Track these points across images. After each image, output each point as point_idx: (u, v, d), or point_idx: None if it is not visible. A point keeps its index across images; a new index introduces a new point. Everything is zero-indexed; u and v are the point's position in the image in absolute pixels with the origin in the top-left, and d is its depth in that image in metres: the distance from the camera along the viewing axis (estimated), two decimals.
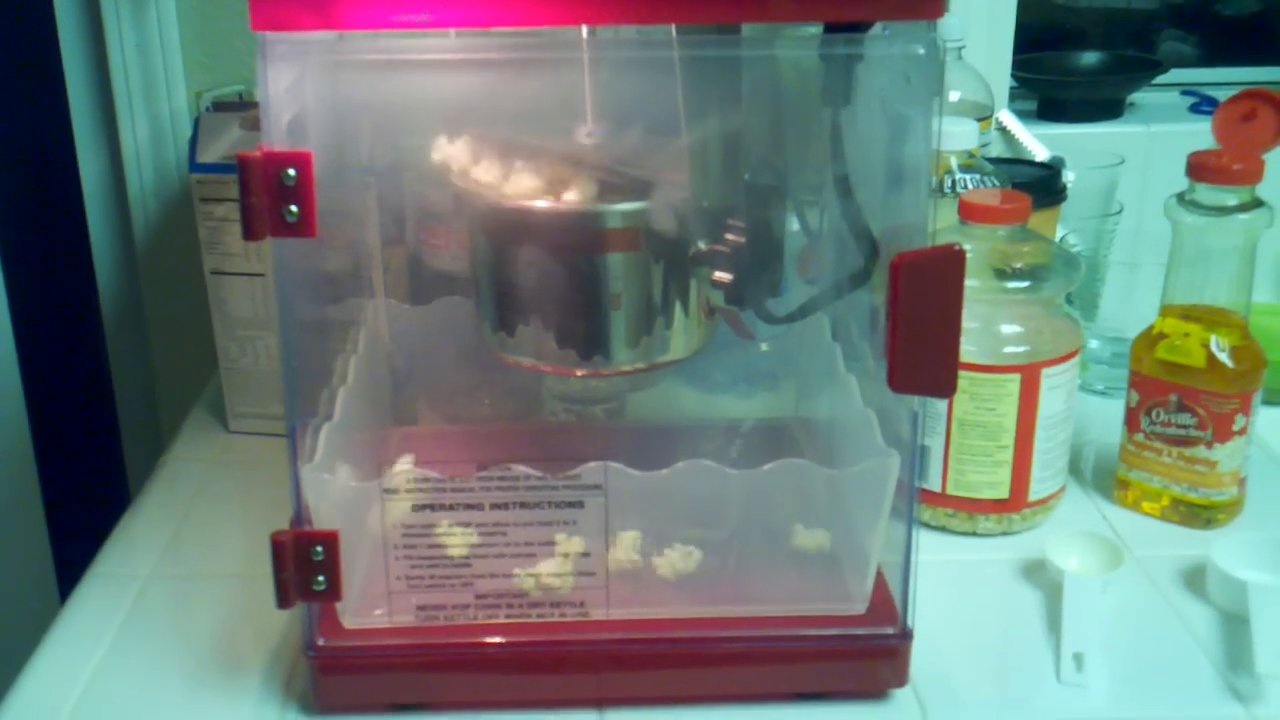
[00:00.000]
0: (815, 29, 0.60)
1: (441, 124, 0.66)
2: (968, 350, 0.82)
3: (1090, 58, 1.37)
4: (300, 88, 0.60)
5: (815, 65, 0.62)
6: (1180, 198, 0.84)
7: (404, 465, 0.68)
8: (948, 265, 0.59)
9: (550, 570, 0.68)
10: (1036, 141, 1.20)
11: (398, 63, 0.61)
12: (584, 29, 0.61)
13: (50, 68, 1.17)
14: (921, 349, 0.60)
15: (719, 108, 0.63)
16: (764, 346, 0.86)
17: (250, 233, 0.59)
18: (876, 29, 0.60)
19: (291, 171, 0.58)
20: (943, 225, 0.86)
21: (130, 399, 1.28)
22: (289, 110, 0.60)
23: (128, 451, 1.29)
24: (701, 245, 0.67)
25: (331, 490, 0.66)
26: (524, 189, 0.66)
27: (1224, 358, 0.83)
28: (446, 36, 0.60)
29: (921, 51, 0.59)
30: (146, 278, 1.21)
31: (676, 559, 0.69)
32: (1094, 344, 1.09)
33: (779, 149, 0.67)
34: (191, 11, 1.15)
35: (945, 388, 0.61)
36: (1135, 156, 1.19)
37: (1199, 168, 0.83)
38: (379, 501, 0.67)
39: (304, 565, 0.65)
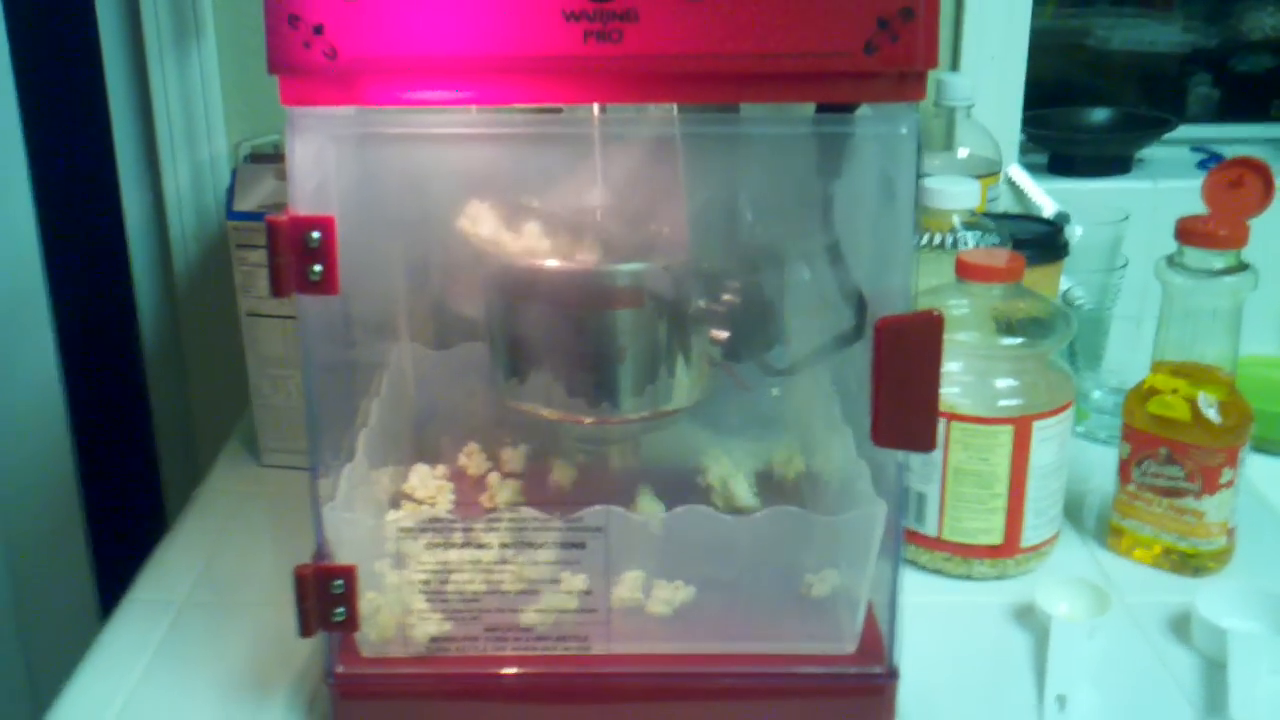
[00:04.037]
0: (807, 108, 0.64)
1: (459, 190, 0.71)
2: (963, 403, 0.86)
3: (1100, 114, 1.40)
4: (325, 156, 0.65)
5: (808, 141, 0.66)
6: (1170, 260, 0.88)
7: (420, 484, 0.72)
8: (928, 329, 0.63)
9: (555, 606, 0.72)
10: (1045, 196, 1.23)
11: (416, 135, 0.66)
12: (595, 107, 0.65)
13: (97, 113, 1.23)
14: (903, 406, 0.64)
15: (718, 178, 0.67)
16: (775, 392, 0.89)
17: (277, 290, 0.63)
18: (864, 109, 0.64)
19: (316, 234, 0.63)
20: (944, 281, 0.90)
21: (169, 431, 1.33)
22: (314, 176, 0.64)
23: (166, 481, 1.34)
24: (701, 303, 0.71)
25: (351, 528, 0.70)
26: (537, 250, 0.71)
27: (1211, 414, 0.86)
28: (465, 112, 0.64)
29: (904, 131, 0.63)
30: (185, 316, 1.26)
31: (667, 593, 0.73)
32: (1097, 394, 1.12)
33: (774, 216, 0.72)
34: (232, 62, 1.21)
35: (924, 443, 0.65)
36: (1143, 211, 1.22)
37: (1187, 232, 0.86)
38: (395, 539, 0.71)
39: (324, 597, 0.69)
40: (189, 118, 1.19)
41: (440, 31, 0.59)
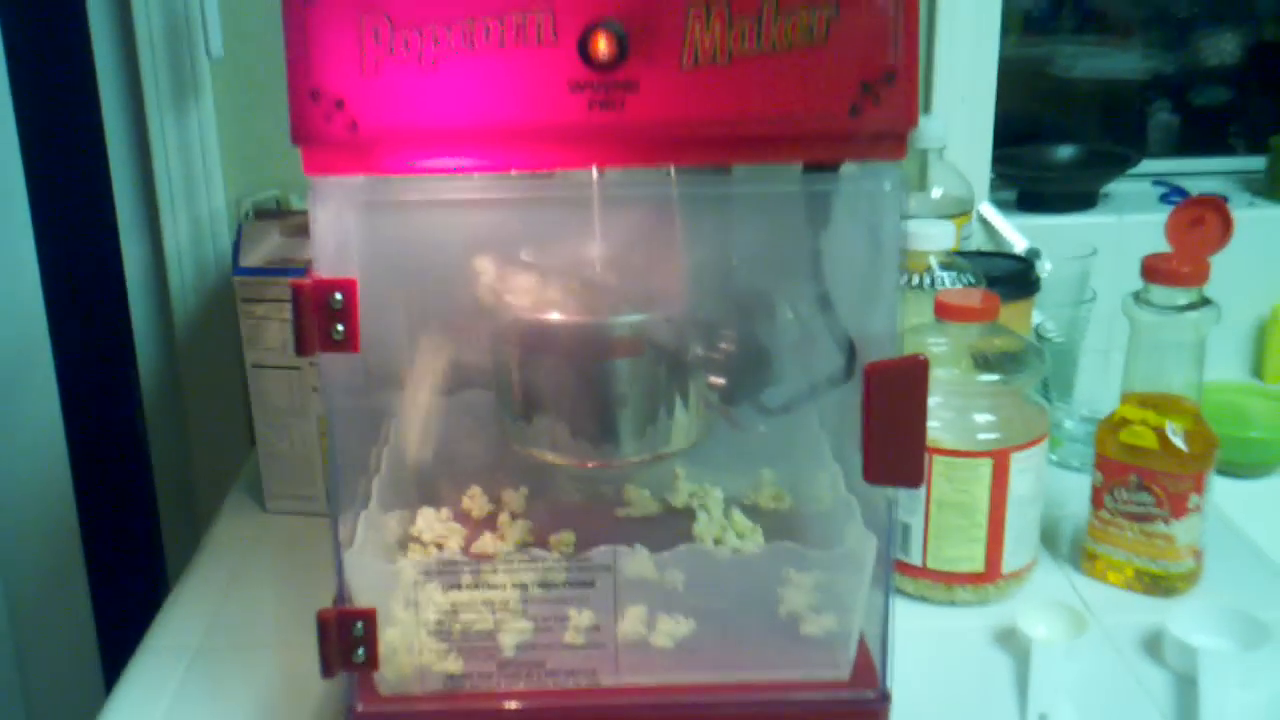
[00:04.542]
0: (796, 168, 0.69)
1: (471, 250, 0.75)
2: (944, 437, 0.90)
3: (1066, 151, 1.46)
4: (345, 221, 0.69)
5: (797, 198, 0.71)
6: (1136, 296, 0.92)
7: (427, 527, 0.75)
8: (914, 372, 0.67)
9: (564, 642, 0.76)
10: (1016, 233, 1.28)
11: (432, 202, 0.70)
12: (594, 170, 0.70)
13: (98, 169, 1.26)
14: (892, 445, 0.68)
15: (713, 234, 0.72)
16: (762, 429, 0.93)
17: (302, 349, 0.67)
18: (849, 167, 0.69)
19: (339, 296, 0.66)
20: (924, 320, 0.95)
21: (169, 479, 1.35)
22: (335, 240, 0.68)
23: (165, 529, 1.37)
24: (699, 351, 0.75)
25: (370, 572, 0.74)
26: (542, 303, 0.75)
27: (1178, 442, 0.91)
28: (472, 179, 0.68)
29: (888, 187, 0.68)
30: (185, 366, 1.29)
31: (670, 627, 0.77)
32: (1069, 424, 1.16)
33: (766, 267, 0.76)
34: (230, 120, 1.25)
35: (913, 479, 0.69)
36: (1109, 245, 1.27)
37: (1152, 270, 0.91)
38: (413, 582, 0.74)
39: (345, 639, 0.73)
40: (188, 174, 1.23)
41: (454, 104, 0.64)
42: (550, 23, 0.63)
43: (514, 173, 0.68)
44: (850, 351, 0.74)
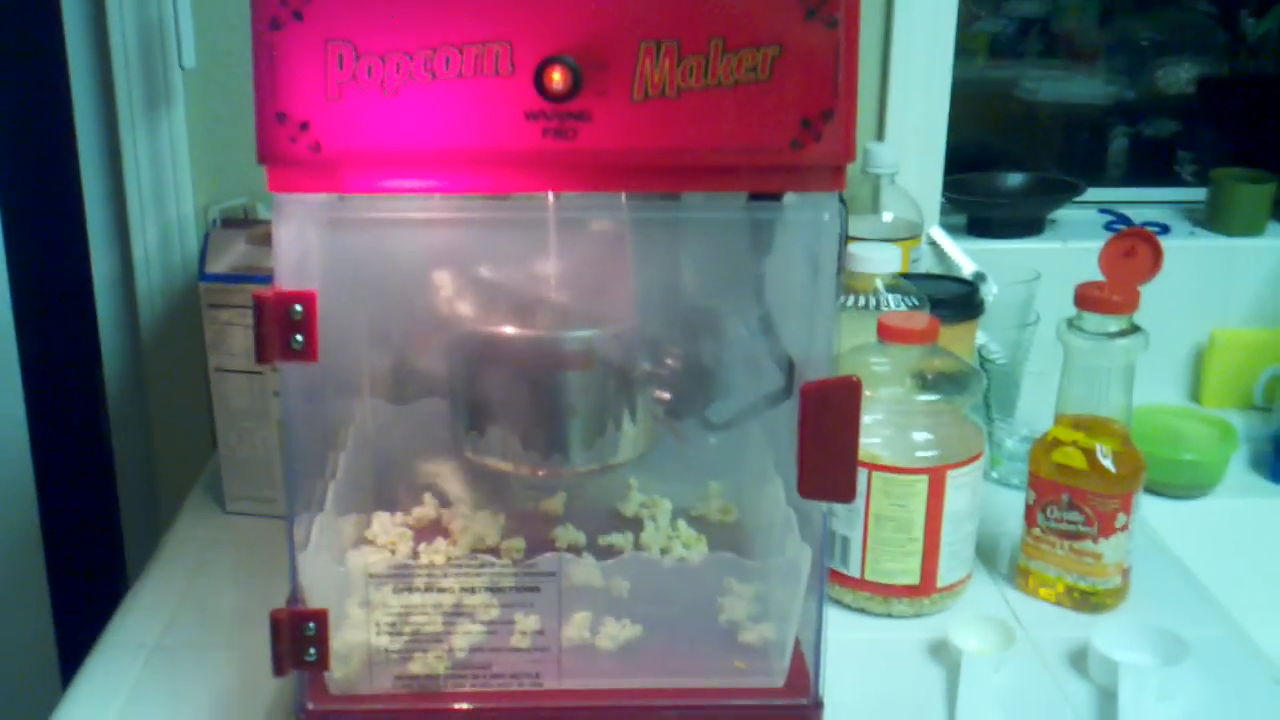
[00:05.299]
0: (740, 196, 0.72)
1: (427, 266, 0.78)
2: (883, 453, 0.93)
3: (1015, 179, 1.50)
4: (307, 237, 0.72)
5: (741, 225, 0.74)
6: (1070, 323, 0.96)
7: (381, 531, 0.78)
8: (848, 393, 0.71)
9: (510, 645, 0.79)
10: (964, 256, 1.31)
11: (391, 220, 0.73)
12: (549, 194, 0.73)
13: (69, 174, 1.28)
14: (825, 461, 0.72)
15: (661, 256, 0.75)
16: (713, 440, 0.97)
17: (262, 357, 0.70)
18: (790, 197, 0.72)
19: (298, 308, 0.69)
20: (868, 340, 0.98)
21: (131, 479, 1.37)
22: (297, 255, 0.71)
23: (127, 528, 1.39)
24: (645, 366, 0.79)
25: (324, 574, 0.76)
26: (495, 317, 0.78)
27: (1107, 463, 0.95)
28: (430, 199, 0.72)
29: (826, 217, 0.71)
30: (150, 369, 1.31)
31: (613, 630, 0.80)
32: (1010, 443, 1.20)
33: (712, 289, 0.79)
34: (200, 130, 1.27)
35: (845, 494, 0.72)
36: (1054, 270, 1.31)
37: (1084, 298, 0.95)
38: (364, 584, 0.77)
39: (298, 639, 0.75)
40: (158, 180, 1.25)
41: (414, 129, 0.67)
42: (508, 55, 0.66)
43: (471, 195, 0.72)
44: (790, 371, 0.78)
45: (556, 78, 0.65)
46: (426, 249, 0.78)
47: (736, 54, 0.66)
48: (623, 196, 0.73)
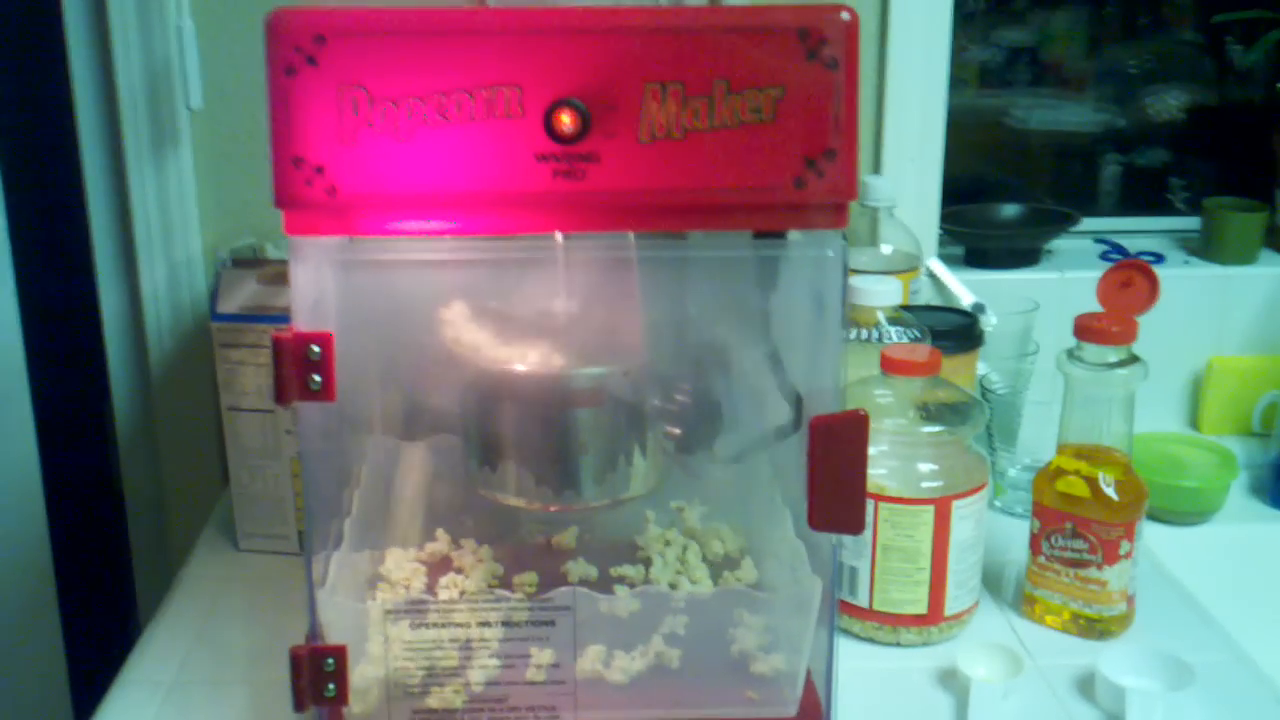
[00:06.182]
0: (745, 235, 0.74)
1: (440, 306, 0.79)
2: (889, 484, 0.95)
3: (1011, 210, 1.52)
4: (323, 278, 0.73)
5: (747, 263, 0.76)
6: (1069, 353, 0.98)
7: (395, 567, 0.79)
8: (855, 426, 0.72)
9: (526, 679, 0.79)
10: (963, 287, 1.33)
11: (405, 261, 0.75)
12: (558, 234, 0.74)
13: (77, 215, 1.30)
14: (835, 494, 0.73)
15: (669, 294, 0.77)
16: (719, 476, 0.98)
17: (280, 398, 0.71)
18: (795, 235, 0.74)
19: (316, 348, 0.71)
20: (871, 373, 0.99)
21: (142, 518, 1.38)
22: (313, 296, 0.73)
23: (138, 567, 1.39)
24: (656, 402, 0.80)
25: (341, 610, 0.77)
26: (508, 356, 0.79)
27: (1110, 492, 0.96)
28: (443, 240, 0.73)
29: (830, 254, 0.73)
30: (160, 408, 1.32)
31: (624, 663, 0.81)
32: (1013, 472, 1.21)
33: (719, 325, 0.81)
34: (208, 170, 1.29)
35: (855, 527, 0.74)
36: (1051, 300, 1.33)
37: (1084, 329, 0.96)
38: (381, 621, 0.78)
39: (317, 675, 0.76)
40: (165, 221, 1.27)
41: (427, 172, 0.68)
42: (518, 98, 0.67)
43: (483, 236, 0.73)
44: (797, 405, 0.79)
45: (565, 120, 0.67)
46: (440, 289, 0.80)
47: (740, 95, 0.68)
48: (631, 235, 0.74)
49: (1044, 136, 1.78)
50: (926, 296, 1.35)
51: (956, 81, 1.38)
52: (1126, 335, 0.95)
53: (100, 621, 1.40)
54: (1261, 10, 1.57)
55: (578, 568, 0.88)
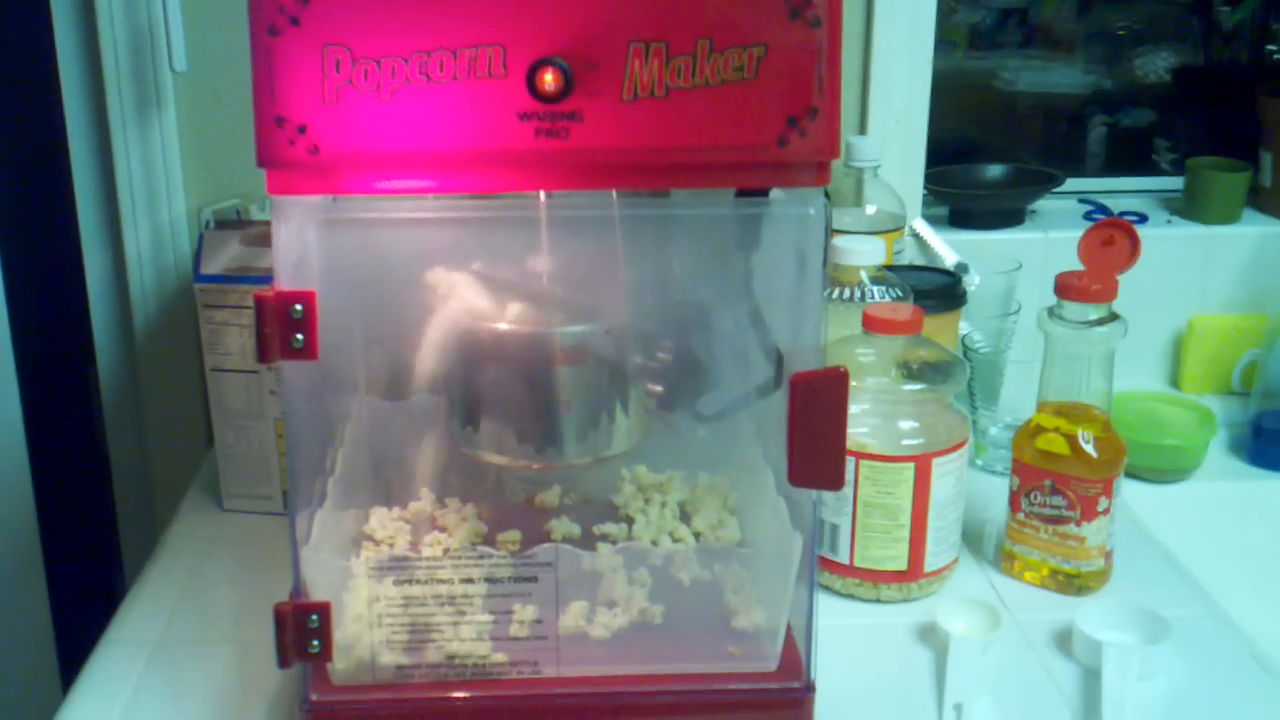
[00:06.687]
0: (728, 192, 0.74)
1: (423, 265, 0.79)
2: (870, 442, 0.95)
3: (995, 170, 1.52)
4: (306, 237, 0.73)
5: (729, 221, 0.76)
6: (1050, 312, 0.98)
7: (379, 526, 0.80)
8: (836, 384, 0.73)
9: (509, 635, 0.80)
10: (946, 247, 1.34)
11: (387, 220, 0.75)
12: (541, 193, 0.75)
13: (61, 176, 1.30)
14: (814, 451, 0.74)
15: (652, 252, 0.77)
16: (702, 433, 0.99)
17: (263, 357, 0.71)
18: (777, 193, 0.74)
19: (299, 307, 0.71)
20: (853, 331, 1.00)
21: (127, 478, 1.39)
22: (296, 255, 0.73)
23: (123, 526, 1.40)
24: (637, 360, 0.80)
25: (325, 568, 0.78)
26: (490, 314, 0.80)
27: (1089, 449, 0.97)
28: (426, 199, 0.73)
29: (812, 212, 0.73)
30: (144, 369, 1.32)
31: (607, 619, 0.82)
32: (994, 430, 1.22)
33: (701, 283, 0.81)
34: (191, 132, 1.28)
35: (834, 483, 0.74)
36: (1035, 260, 1.34)
37: (1064, 287, 0.97)
38: (365, 577, 0.79)
39: (301, 631, 0.77)
40: (150, 182, 1.26)
41: (409, 131, 0.68)
42: (501, 57, 0.67)
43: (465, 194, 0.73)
44: (779, 362, 0.80)
45: (548, 79, 0.67)
46: (422, 247, 0.80)
47: (723, 54, 0.68)
48: (613, 194, 0.75)
49: (1032, 98, 1.77)
50: (911, 256, 1.36)
51: (946, 44, 1.38)
52: (1107, 293, 0.96)
53: (86, 581, 1.41)
54: None
55: (561, 525, 0.88)
